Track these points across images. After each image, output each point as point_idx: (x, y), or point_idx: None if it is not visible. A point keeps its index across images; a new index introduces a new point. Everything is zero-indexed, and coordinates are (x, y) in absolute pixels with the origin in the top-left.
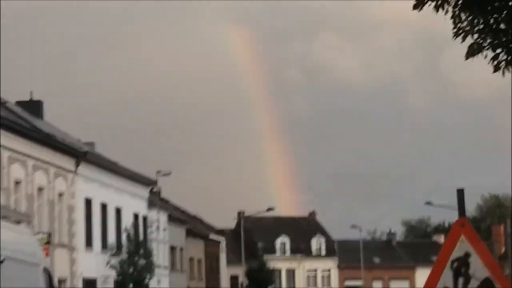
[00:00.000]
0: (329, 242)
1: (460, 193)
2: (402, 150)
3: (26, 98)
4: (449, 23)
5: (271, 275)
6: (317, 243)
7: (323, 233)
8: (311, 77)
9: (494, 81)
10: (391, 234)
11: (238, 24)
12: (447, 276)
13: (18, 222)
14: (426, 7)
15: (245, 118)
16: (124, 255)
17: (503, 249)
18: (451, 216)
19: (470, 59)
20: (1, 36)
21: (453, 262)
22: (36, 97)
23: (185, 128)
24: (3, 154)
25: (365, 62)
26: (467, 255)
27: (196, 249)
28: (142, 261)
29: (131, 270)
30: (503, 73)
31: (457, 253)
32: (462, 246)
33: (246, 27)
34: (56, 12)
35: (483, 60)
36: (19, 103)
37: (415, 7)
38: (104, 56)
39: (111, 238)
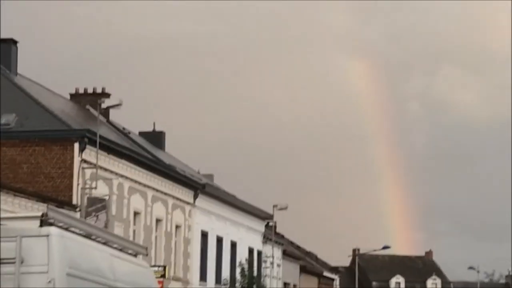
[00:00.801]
0: (445, 283)
1: None
2: None
3: (150, 128)
4: None
5: None
6: (432, 284)
7: (439, 273)
8: (431, 112)
9: None
10: (510, 277)
11: (356, 56)
12: None
13: (136, 254)
14: None
15: (362, 153)
16: None
17: None
18: None
19: None
20: (125, 68)
21: None
22: (158, 128)
23: (302, 162)
24: (124, 185)
25: (488, 99)
26: None
27: (310, 286)
28: None
29: None
30: None
31: None
32: None
33: (365, 59)
34: (183, 44)
35: None
36: (142, 134)
37: None
38: (226, 92)
39: (226, 272)
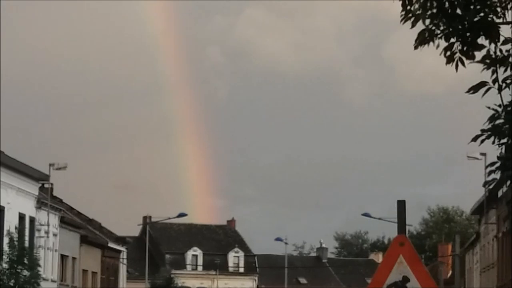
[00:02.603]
0: (249, 256)
1: (401, 205)
2: (335, 152)
3: None
4: (397, 5)
5: None
6: (235, 257)
7: (242, 245)
8: (233, 58)
9: (445, 74)
10: (321, 250)
11: None
12: None
13: None
14: None
15: (154, 104)
16: (4, 264)
17: (450, 272)
18: (392, 231)
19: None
20: None
21: (389, 287)
22: None
23: (86, 114)
24: None
25: (296, 45)
26: (405, 280)
27: (92, 259)
28: (25, 272)
29: (12, 282)
30: (457, 66)
31: (394, 276)
32: (400, 269)
33: None
34: None
35: (433, 49)
36: None
37: None
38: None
39: None
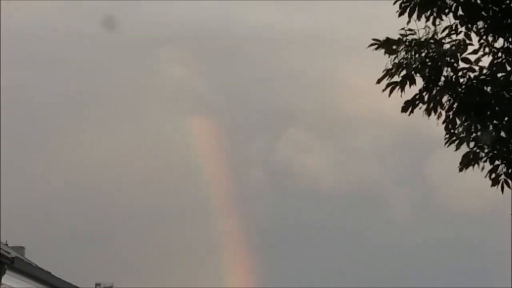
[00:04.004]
0: None
1: None
2: (379, 271)
3: None
4: (439, 122)
5: None
6: None
7: None
8: (275, 179)
9: (488, 192)
10: None
11: (192, 116)
12: None
13: None
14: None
15: (197, 225)
16: None
17: None
18: None
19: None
20: None
21: None
22: None
23: (130, 236)
24: None
25: (337, 164)
26: None
27: None
28: None
29: None
30: (502, 188)
31: None
32: None
33: (202, 119)
34: None
35: (476, 167)
36: None
37: (404, 109)
38: (41, 149)
39: None
